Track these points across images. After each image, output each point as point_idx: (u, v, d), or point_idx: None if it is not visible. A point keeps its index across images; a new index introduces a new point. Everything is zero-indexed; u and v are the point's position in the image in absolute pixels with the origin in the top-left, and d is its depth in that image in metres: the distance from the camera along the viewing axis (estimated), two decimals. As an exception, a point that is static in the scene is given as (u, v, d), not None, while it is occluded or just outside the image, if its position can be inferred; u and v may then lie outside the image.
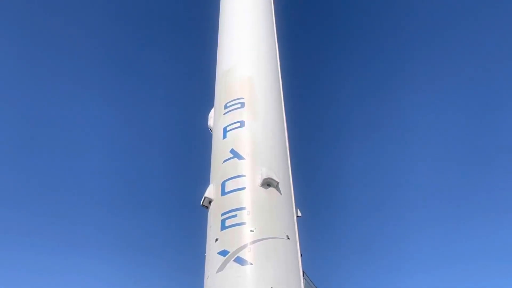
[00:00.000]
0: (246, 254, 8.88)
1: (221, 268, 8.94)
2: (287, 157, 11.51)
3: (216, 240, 9.51)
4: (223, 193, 10.21)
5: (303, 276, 9.60)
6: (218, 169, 10.89)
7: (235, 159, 10.66)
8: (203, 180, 11.65)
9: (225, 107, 12.09)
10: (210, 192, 10.63)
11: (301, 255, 9.80)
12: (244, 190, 9.96)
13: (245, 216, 9.50)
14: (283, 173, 10.84)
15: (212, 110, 13.12)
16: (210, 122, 12.88)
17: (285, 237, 9.53)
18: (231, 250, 9.05)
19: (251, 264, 8.75)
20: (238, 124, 11.37)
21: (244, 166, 10.44)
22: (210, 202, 10.58)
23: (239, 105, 11.82)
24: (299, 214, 10.68)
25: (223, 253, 9.12)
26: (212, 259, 9.32)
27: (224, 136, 11.40)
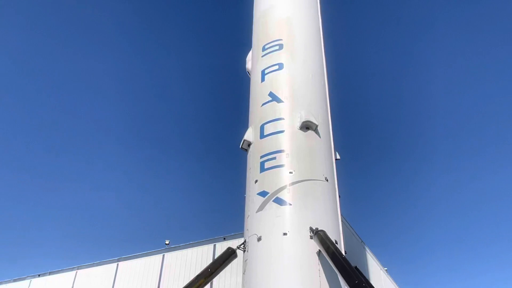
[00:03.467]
0: (285, 195, 9.07)
1: (260, 208, 9.21)
2: (326, 100, 11.35)
3: (256, 181, 9.73)
4: (262, 136, 10.30)
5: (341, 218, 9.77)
6: (257, 112, 10.91)
7: (274, 102, 10.62)
8: (242, 123, 11.77)
9: (263, 49, 11.88)
10: (249, 135, 10.74)
11: (339, 197, 9.91)
12: (283, 133, 10.00)
13: (284, 159, 9.60)
14: (322, 116, 10.75)
15: (250, 53, 12.94)
16: (248, 65, 12.75)
17: (324, 179, 9.61)
18: (270, 191, 9.26)
19: (290, 204, 8.96)
20: (276, 67, 11.21)
21: (283, 109, 10.41)
22: (249, 145, 10.72)
23: (277, 47, 11.58)
24: (338, 157, 10.67)
25: (263, 194, 9.35)
26: (252, 199, 9.59)
27: (263, 79, 11.31)
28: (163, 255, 42.26)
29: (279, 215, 8.87)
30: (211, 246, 39.20)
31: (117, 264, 45.02)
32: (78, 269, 47.83)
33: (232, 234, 36.82)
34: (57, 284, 47.95)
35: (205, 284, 9.05)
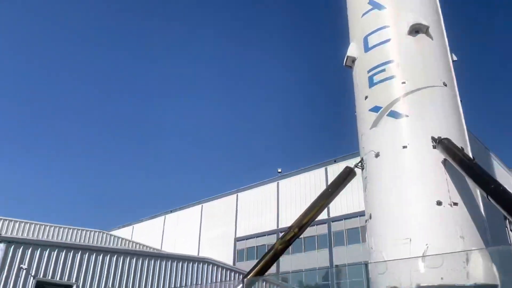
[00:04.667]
0: (400, 107, 8.59)
1: (375, 124, 8.89)
2: (435, -3, 10.18)
3: (366, 97, 9.33)
4: (367, 49, 9.70)
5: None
6: (358, 24, 10.23)
7: (375, 10, 9.82)
8: (342, 40, 11.18)
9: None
10: (352, 50, 10.19)
11: (461, 101, 9.13)
12: (389, 42, 9.30)
13: (394, 69, 9.00)
14: (432, 16, 9.71)
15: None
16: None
17: (441, 84, 8.87)
18: (383, 105, 8.83)
19: (407, 116, 8.49)
20: (373, -30, 10.21)
21: (387, 16, 9.59)
22: (353, 61, 10.22)
23: None
24: (455, 58, 9.71)
25: (375, 109, 8.97)
26: (364, 117, 9.28)
27: (360, -13, 10.44)
28: (277, 182, 44.24)
29: (396, 128, 8.49)
30: (322, 169, 39.95)
31: (237, 195, 48.39)
32: (203, 202, 52.53)
33: (342, 156, 36.92)
34: (187, 217, 53.38)
35: (327, 204, 9.24)
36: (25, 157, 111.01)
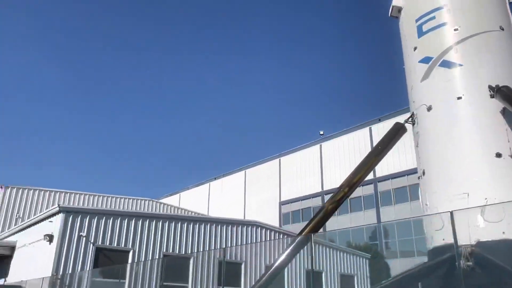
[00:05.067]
0: (453, 56, 8.08)
1: (426, 76, 8.44)
2: None
3: (415, 48, 8.84)
4: (414, -5, 9.12)
5: None
6: (403, -30, 9.60)
7: (421, -48, 9.14)
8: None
9: None
10: (398, -1, 9.63)
11: (521, 45, 8.47)
12: (439, -14, 8.67)
13: (445, 15, 8.43)
14: (486, -46, 8.93)
15: None
16: None
17: (498, 29, 8.23)
18: (434, 55, 8.34)
19: (461, 65, 7.99)
20: None
21: (434, -42, 8.91)
22: (399, 11, 9.66)
23: None
24: (512, -1, 8.97)
25: (426, 60, 8.50)
26: (414, 69, 8.82)
27: None
28: (320, 145, 43.93)
29: (449, 79, 8.03)
30: (366, 129, 39.19)
31: (279, 160, 48.60)
32: (246, 168, 53.19)
33: (387, 114, 35.96)
34: (231, 183, 54.37)
35: (377, 162, 9.00)
36: (80, 137, 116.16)
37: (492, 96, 7.56)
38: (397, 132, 9.09)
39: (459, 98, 7.80)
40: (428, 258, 8.00)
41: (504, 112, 7.42)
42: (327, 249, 22.89)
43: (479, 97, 7.66)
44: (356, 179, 8.72)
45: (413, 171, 34.18)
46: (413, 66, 8.87)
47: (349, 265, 23.55)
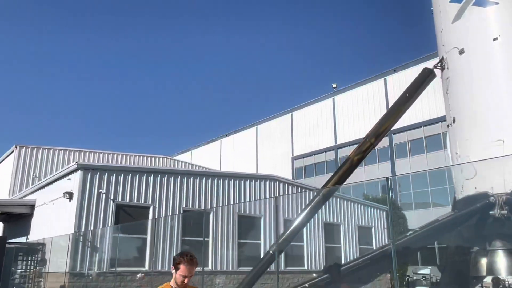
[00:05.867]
0: (489, -6, 7.51)
1: (458, 17, 7.90)
2: None
3: (446, -13, 8.24)
4: None
5: None
6: None
7: None
8: None
9: None
10: None
11: None
12: None
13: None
14: None
15: None
16: None
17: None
18: (467, -6, 7.77)
19: (496, 3, 7.44)
20: None
21: None
22: None
23: None
24: None
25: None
26: (444, 9, 8.27)
27: None
28: (333, 98, 43.24)
29: (483, 19, 7.51)
30: (381, 81, 38.30)
31: (291, 114, 48.15)
32: (257, 124, 52.94)
33: (402, 64, 34.96)
34: (242, 140, 54.34)
35: (405, 110, 8.66)
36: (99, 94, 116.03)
37: (531, 36, 7.07)
38: (425, 78, 8.66)
39: (494, 39, 7.31)
40: (454, 208, 7.81)
41: (545, 53, 6.95)
42: (344, 201, 22.98)
43: (518, 37, 7.18)
44: (382, 128, 8.42)
45: (429, 122, 33.68)
46: (444, 6, 8.30)
47: (367, 217, 23.73)
